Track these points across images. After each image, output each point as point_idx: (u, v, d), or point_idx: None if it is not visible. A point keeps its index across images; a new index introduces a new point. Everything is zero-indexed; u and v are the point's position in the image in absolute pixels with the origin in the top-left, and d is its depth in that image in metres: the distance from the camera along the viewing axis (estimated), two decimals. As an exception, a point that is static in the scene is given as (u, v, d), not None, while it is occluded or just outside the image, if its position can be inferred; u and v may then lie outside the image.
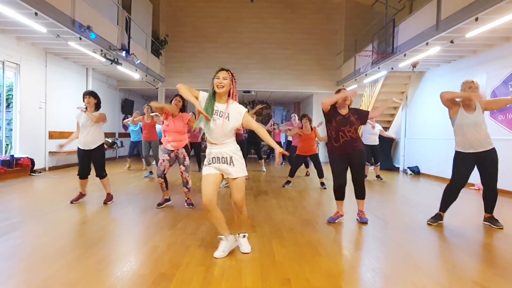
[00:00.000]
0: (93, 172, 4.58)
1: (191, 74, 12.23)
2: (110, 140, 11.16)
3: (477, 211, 3.94)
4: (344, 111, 3.77)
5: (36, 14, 5.36)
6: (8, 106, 7.63)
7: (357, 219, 3.91)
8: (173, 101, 4.35)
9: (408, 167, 9.39)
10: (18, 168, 6.93)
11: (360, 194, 3.88)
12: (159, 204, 4.42)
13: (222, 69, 2.67)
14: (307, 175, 8.26)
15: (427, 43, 6.53)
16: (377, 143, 7.74)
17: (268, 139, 2.72)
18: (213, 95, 2.65)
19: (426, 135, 8.82)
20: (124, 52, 8.20)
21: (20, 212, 4.18)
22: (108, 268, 2.46)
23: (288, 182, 6.57)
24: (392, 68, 8.55)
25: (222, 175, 2.73)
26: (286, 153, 2.73)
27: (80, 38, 6.64)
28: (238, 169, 2.69)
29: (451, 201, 3.81)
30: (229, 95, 2.69)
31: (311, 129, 6.45)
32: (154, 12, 11.79)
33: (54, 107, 8.32)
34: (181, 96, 4.36)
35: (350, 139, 3.70)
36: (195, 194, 4.63)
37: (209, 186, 2.68)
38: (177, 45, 12.44)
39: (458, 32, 5.85)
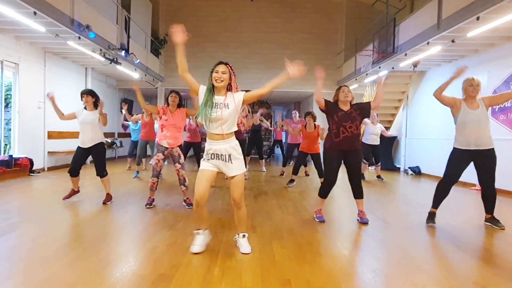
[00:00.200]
0: (91, 171, 4.55)
1: (191, 73, 12.13)
2: (109, 140, 11.14)
3: (478, 211, 3.93)
4: (345, 107, 3.74)
5: (35, 13, 5.34)
6: (6, 106, 7.61)
7: (357, 220, 3.89)
8: (169, 97, 4.32)
9: (409, 167, 9.38)
10: (17, 168, 6.90)
11: (358, 193, 3.85)
12: (149, 204, 4.39)
13: (221, 63, 2.66)
14: (306, 175, 8.24)
15: (428, 43, 6.51)
16: (378, 143, 7.71)
17: (275, 82, 2.67)
18: (212, 89, 2.65)
19: (427, 135, 8.80)
20: (123, 51, 8.17)
21: (19, 212, 4.16)
22: (108, 269, 2.44)
23: (292, 180, 6.53)
24: (393, 68, 8.53)
25: (218, 172, 2.74)
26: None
27: (79, 38, 6.61)
28: (236, 166, 2.69)
29: (443, 197, 3.79)
30: (228, 89, 2.67)
31: (315, 127, 6.42)
32: (153, 11, 11.77)
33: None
34: (176, 92, 4.33)
35: (351, 135, 3.67)
36: (191, 193, 4.58)
37: (203, 183, 2.67)
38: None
39: (459, 32, 5.83)
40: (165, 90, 12.29)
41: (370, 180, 7.63)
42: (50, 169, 8.25)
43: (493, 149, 3.66)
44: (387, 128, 10.76)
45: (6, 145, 7.43)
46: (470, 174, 3.85)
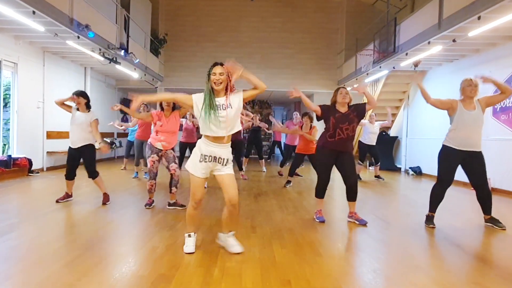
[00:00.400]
0: (84, 174, 4.54)
1: (190, 73, 12.20)
2: (108, 140, 11.11)
3: (478, 211, 3.91)
4: (343, 109, 3.74)
5: (34, 12, 5.32)
6: (5, 105, 7.58)
7: (352, 221, 3.84)
8: (163, 102, 4.27)
9: (409, 167, 9.36)
10: (16, 168, 6.89)
11: (352, 196, 3.83)
12: (148, 205, 4.38)
13: (217, 64, 2.61)
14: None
15: (429, 42, 6.50)
16: (375, 143, 7.66)
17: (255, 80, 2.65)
18: (212, 91, 2.61)
19: (428, 135, 8.78)
20: (122, 51, 8.16)
21: (17, 212, 4.14)
22: (107, 269, 2.43)
23: (289, 182, 6.54)
24: (393, 67, 8.51)
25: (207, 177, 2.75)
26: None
27: (78, 37, 6.60)
28: (229, 166, 2.71)
29: (439, 200, 3.77)
30: (226, 90, 2.64)
31: (310, 127, 6.40)
32: (153, 10, 11.75)
33: (52, 107, 8.16)
34: None
35: (346, 137, 3.67)
36: (179, 193, 4.56)
37: (200, 188, 2.71)
38: (176, 44, 12.41)
39: (460, 31, 5.81)
40: (165, 89, 12.27)
41: (370, 181, 7.61)
42: (49, 169, 8.23)
43: (481, 152, 3.66)
44: (388, 128, 10.76)
45: (5, 145, 7.41)
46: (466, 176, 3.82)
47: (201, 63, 11.94)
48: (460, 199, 5.48)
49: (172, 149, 4.37)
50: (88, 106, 4.51)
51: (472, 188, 3.80)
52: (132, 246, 3.01)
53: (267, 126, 8.45)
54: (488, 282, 2.34)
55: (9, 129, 7.38)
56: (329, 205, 4.82)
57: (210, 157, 2.65)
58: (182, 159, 6.70)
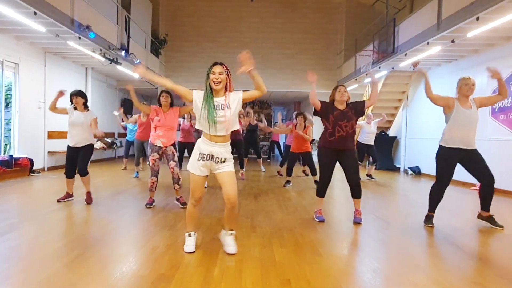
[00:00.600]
0: (89, 171, 4.56)
1: (191, 73, 12.22)
2: (109, 140, 11.14)
3: (477, 211, 3.92)
4: (341, 107, 3.75)
5: (35, 13, 5.34)
6: (7, 106, 7.61)
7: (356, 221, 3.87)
8: (160, 98, 4.32)
9: (409, 167, 9.38)
10: (17, 168, 6.91)
11: (357, 193, 3.84)
12: (149, 204, 4.40)
13: (216, 64, 2.62)
14: (305, 174, 8.21)
15: (428, 43, 6.52)
16: (373, 142, 7.66)
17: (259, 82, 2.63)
18: (211, 91, 2.62)
19: (427, 135, 8.80)
20: (123, 51, 8.18)
21: (18, 212, 4.16)
22: (107, 269, 2.44)
23: (288, 181, 6.56)
24: (392, 68, 8.54)
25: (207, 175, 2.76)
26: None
27: (79, 38, 6.62)
28: (229, 164, 2.71)
29: (438, 200, 3.78)
30: (226, 89, 2.65)
31: (304, 127, 6.42)
32: (153, 11, 11.77)
33: (54, 107, 8.29)
34: (167, 92, 4.30)
35: (346, 134, 3.68)
36: (182, 192, 4.57)
37: (199, 186, 2.73)
38: (177, 45, 12.43)
39: (459, 32, 5.83)
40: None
41: (368, 180, 7.62)
42: (50, 169, 8.25)
43: (476, 149, 3.67)
44: (387, 129, 10.78)
45: (6, 145, 7.43)
46: (469, 173, 3.84)
47: (201, 63, 11.96)
48: (460, 199, 5.50)
49: (173, 146, 4.39)
50: (86, 106, 4.53)
51: (472, 188, 3.81)
52: (133, 246, 3.03)
53: (264, 125, 8.47)
54: (487, 282, 2.35)
55: (10, 129, 7.40)
56: (329, 205, 4.83)
57: (208, 156, 2.66)
58: (181, 158, 6.72)
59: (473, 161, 3.65)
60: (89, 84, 9.86)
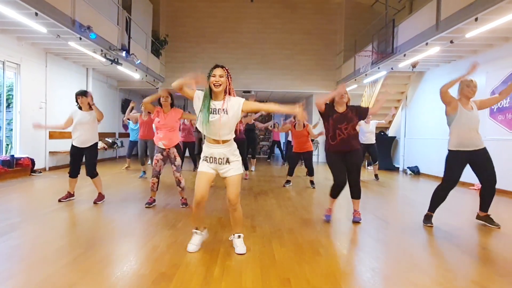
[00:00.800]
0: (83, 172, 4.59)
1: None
2: (110, 140, 11.16)
3: (477, 211, 3.94)
4: (341, 109, 3.76)
5: (36, 14, 5.36)
6: (8, 106, 7.63)
7: (356, 221, 3.89)
8: (160, 98, 4.32)
9: (408, 167, 9.40)
10: (18, 168, 6.93)
11: (356, 194, 3.86)
12: (148, 204, 4.41)
13: (217, 66, 2.63)
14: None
15: (426, 43, 6.53)
16: (373, 141, 7.69)
17: (279, 108, 2.75)
18: (210, 93, 2.64)
19: (426, 135, 8.82)
20: (124, 52, 8.20)
21: (19, 212, 4.18)
22: (108, 268, 2.46)
23: (288, 181, 6.57)
24: (392, 68, 8.56)
25: (216, 174, 2.75)
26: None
27: (80, 38, 6.64)
28: (234, 167, 2.70)
29: (441, 201, 3.79)
30: (225, 92, 2.66)
31: (304, 126, 6.44)
32: (154, 12, 11.79)
33: (54, 107, 8.32)
34: (168, 92, 4.32)
35: (347, 136, 3.69)
36: (188, 193, 4.60)
37: (202, 184, 2.70)
38: (177, 45, 12.45)
39: (457, 32, 5.85)
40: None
41: (368, 180, 7.64)
42: (52, 169, 8.28)
43: (485, 148, 3.70)
44: (386, 128, 10.80)
45: (7, 145, 7.46)
46: (469, 173, 3.86)
47: (202, 64, 11.96)
48: (459, 198, 5.52)
49: (176, 148, 4.38)
50: (91, 106, 4.57)
51: (471, 187, 3.83)
52: (133, 245, 3.04)
53: (265, 125, 8.52)
54: (486, 281, 2.37)
55: (12, 129, 7.43)
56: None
57: (211, 158, 2.70)
58: (182, 159, 6.73)
59: (479, 162, 3.66)
60: (90, 84, 9.88)
